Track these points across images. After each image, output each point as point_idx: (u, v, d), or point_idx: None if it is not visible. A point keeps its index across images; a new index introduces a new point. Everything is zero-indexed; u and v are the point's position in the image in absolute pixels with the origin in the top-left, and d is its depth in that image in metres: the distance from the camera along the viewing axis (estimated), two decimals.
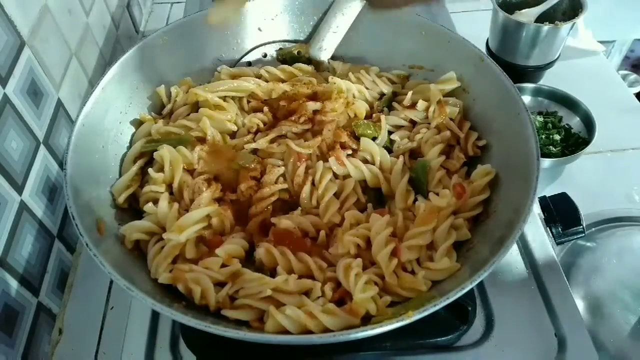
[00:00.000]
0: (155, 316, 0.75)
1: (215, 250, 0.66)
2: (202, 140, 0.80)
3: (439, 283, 0.66)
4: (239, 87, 0.86)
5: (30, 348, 0.73)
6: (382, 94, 0.90)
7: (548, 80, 1.15)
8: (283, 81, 0.90)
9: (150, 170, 0.75)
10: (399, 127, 0.85)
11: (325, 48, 0.94)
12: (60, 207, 0.85)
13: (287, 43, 0.97)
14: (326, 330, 0.59)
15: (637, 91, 1.56)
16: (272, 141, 0.80)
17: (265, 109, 0.85)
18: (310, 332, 0.59)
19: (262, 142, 0.79)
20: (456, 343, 0.71)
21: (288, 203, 0.77)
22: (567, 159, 0.98)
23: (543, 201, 0.84)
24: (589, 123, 1.03)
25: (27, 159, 0.77)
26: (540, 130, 1.03)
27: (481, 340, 0.71)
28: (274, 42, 0.97)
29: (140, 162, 0.78)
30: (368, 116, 0.86)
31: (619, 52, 1.79)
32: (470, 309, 0.71)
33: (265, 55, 0.98)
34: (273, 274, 0.66)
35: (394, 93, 0.89)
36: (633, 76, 1.64)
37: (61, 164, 0.77)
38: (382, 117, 0.83)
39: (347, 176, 0.77)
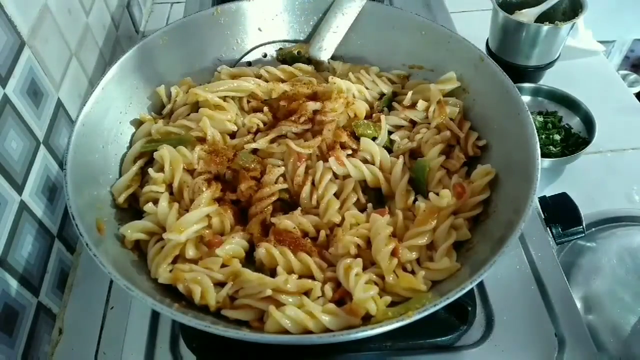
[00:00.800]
0: (155, 316, 0.75)
1: (216, 250, 0.66)
2: (202, 140, 0.80)
3: (439, 283, 0.66)
4: (239, 87, 0.86)
5: (30, 348, 0.73)
6: (382, 94, 0.90)
7: (548, 80, 1.15)
8: (283, 81, 0.90)
9: (150, 170, 0.74)
10: (399, 127, 0.85)
11: (325, 48, 0.94)
12: (60, 207, 0.85)
13: (287, 43, 0.97)
14: (326, 330, 0.59)
15: (637, 91, 1.56)
16: (272, 141, 0.80)
17: (265, 109, 0.85)
18: (310, 332, 0.59)
19: (262, 142, 0.79)
20: (456, 343, 0.71)
21: (288, 203, 0.77)
22: (567, 159, 0.98)
23: (543, 201, 0.84)
24: (589, 123, 1.03)
25: (27, 159, 0.77)
26: (540, 130, 1.03)
27: (481, 340, 0.71)
28: (274, 42, 0.97)
29: (140, 162, 0.78)
30: (368, 116, 0.86)
31: (619, 52, 1.79)
32: (470, 309, 0.71)
33: (265, 55, 0.98)
34: (273, 274, 0.66)
35: (394, 93, 0.89)
36: (633, 76, 1.63)
37: (61, 164, 0.77)
38: (382, 117, 0.83)
39: (347, 176, 0.77)
